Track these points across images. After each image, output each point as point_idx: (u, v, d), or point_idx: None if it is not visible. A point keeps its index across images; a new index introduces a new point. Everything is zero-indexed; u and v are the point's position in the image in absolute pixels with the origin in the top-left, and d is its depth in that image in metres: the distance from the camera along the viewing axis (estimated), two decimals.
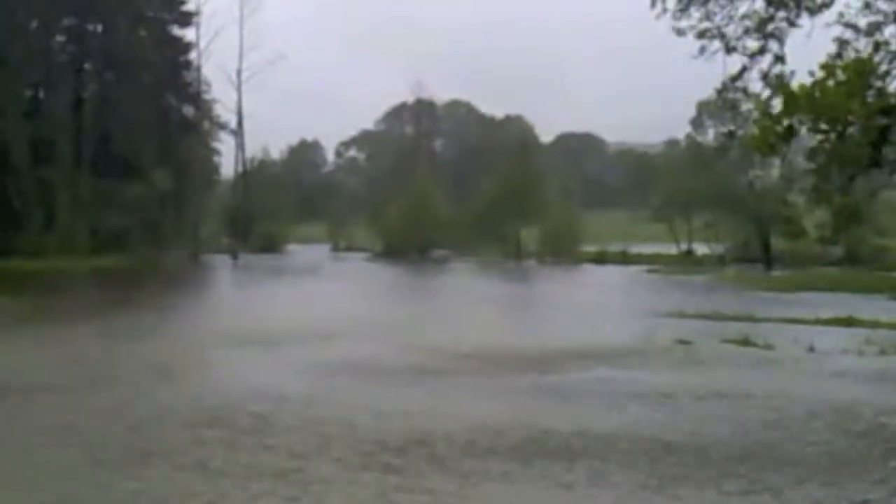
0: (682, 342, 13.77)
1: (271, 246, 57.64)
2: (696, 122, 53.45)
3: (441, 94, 79.53)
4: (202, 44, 53.04)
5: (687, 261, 49.05)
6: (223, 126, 57.59)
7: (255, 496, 5.35)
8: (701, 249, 52.16)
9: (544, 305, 26.88)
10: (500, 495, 5.55)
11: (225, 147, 59.14)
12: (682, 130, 56.15)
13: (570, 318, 20.44)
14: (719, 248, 50.22)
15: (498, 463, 6.17)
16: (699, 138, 53.64)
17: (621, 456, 6.39)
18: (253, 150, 63.03)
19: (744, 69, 10.68)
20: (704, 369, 11.11)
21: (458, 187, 61.90)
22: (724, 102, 11.52)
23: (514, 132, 69.72)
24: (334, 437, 6.91)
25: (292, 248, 60.00)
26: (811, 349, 13.06)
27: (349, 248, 61.81)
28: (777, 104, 9.74)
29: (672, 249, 52.65)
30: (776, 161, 43.76)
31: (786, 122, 9.60)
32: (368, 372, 10.68)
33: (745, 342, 13.82)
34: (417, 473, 5.92)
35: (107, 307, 22.19)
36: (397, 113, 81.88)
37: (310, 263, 47.76)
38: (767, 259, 45.53)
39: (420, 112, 76.83)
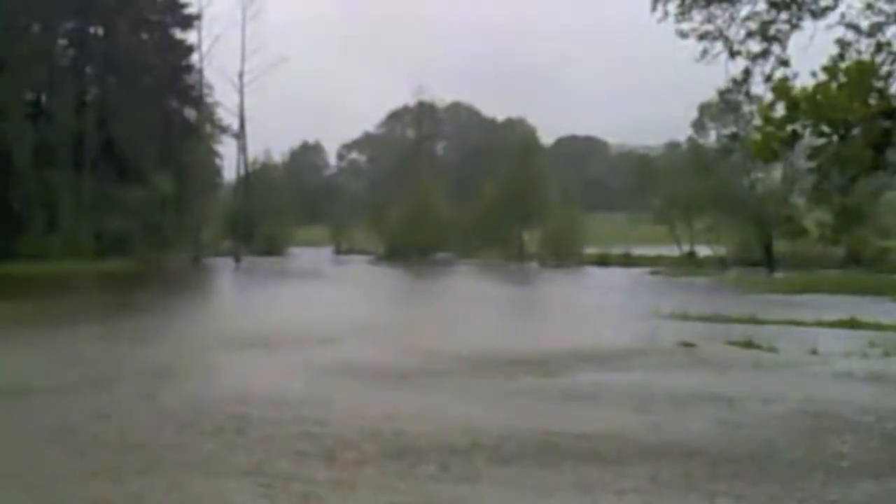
0: (685, 344, 13.70)
1: (273, 249, 57.68)
2: (698, 125, 53.36)
3: (442, 95, 79.45)
4: (204, 47, 53.15)
5: (689, 263, 48.95)
6: (225, 129, 57.66)
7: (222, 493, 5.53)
8: (703, 251, 52.07)
9: (546, 307, 26.85)
10: (448, 494, 5.58)
11: (227, 150, 59.24)
12: (683, 132, 56.09)
13: (571, 321, 20.39)
14: (721, 251, 50.13)
15: (461, 464, 6.21)
16: (701, 140, 53.58)
17: (592, 456, 6.42)
18: (255, 152, 63.14)
19: (747, 72, 10.65)
20: (707, 372, 11.07)
21: (460, 190, 61.88)
22: (726, 105, 11.52)
23: (516, 135, 69.73)
24: (309, 436, 7.06)
25: (294, 250, 60.03)
26: (814, 352, 13.02)
27: (351, 251, 61.82)
28: (780, 109, 9.70)
29: (674, 251, 52.58)
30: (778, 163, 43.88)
31: (788, 128, 9.57)
32: (365, 375, 10.71)
33: (749, 344, 13.78)
34: (370, 471, 6.02)
35: (110, 310, 22.20)
36: (399, 116, 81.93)
37: (312, 266, 47.76)
38: (770, 261, 45.42)
39: (421, 115, 76.90)
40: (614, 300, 27.90)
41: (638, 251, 51.30)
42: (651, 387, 9.61)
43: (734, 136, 41.84)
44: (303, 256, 56.84)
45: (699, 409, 8.33)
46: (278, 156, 70.31)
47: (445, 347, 13.27)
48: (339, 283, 37.05)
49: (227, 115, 57.30)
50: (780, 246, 45.33)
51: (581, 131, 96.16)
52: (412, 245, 54.83)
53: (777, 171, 45.42)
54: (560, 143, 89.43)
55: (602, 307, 24.59)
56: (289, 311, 22.05)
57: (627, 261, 49.40)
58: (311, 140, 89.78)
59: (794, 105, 9.43)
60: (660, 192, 53.59)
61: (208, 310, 26.33)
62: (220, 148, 57.65)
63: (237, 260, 52.82)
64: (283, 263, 51.31)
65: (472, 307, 24.88)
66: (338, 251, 63.50)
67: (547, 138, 78.01)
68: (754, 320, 18.30)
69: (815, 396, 8.92)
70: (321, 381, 10.17)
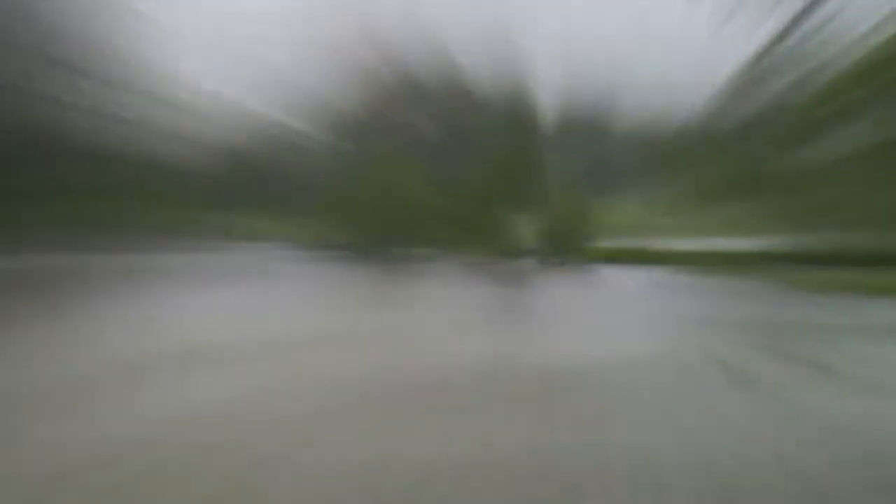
0: (712, 355, 13.54)
1: (224, 242, 57.51)
2: (720, 100, 53.46)
3: (427, 64, 79.42)
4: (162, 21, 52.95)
5: (716, 259, 49.10)
6: (184, 108, 57.60)
7: None
8: (729, 244, 52.26)
9: (547, 313, 26.63)
10: None
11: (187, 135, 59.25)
12: (705, 105, 56.19)
13: (578, 329, 20.18)
14: (751, 243, 50.29)
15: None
16: (724, 117, 53.66)
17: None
18: (207, 127, 63.04)
19: (775, 42, 10.46)
20: (737, 389, 10.86)
21: (445, 173, 61.80)
22: (752, 79, 11.42)
23: (511, 110, 69.71)
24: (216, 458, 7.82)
25: (250, 245, 59.91)
26: (866, 364, 12.83)
27: (314, 245, 61.62)
28: (823, 78, 9.54)
29: (698, 245, 52.74)
30: (815, 142, 43.90)
31: (834, 102, 9.40)
32: (315, 393, 10.71)
33: (787, 355, 13.62)
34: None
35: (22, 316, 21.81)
36: (377, 91, 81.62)
37: (266, 263, 47.58)
38: (808, 255, 45.53)
39: (404, 89, 76.67)
40: (628, 303, 27.78)
41: (654, 244, 51.52)
42: (664, 410, 9.43)
43: (762, 114, 41.81)
44: (258, 251, 56.78)
45: (718, 436, 8.11)
46: (243, 136, 70.24)
47: (418, 362, 13.02)
48: (296, 283, 36.73)
49: (182, 90, 57.26)
50: (824, 238, 45.48)
51: (586, 105, 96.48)
52: (386, 238, 54.78)
53: (819, 151, 45.54)
54: (562, 118, 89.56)
55: (614, 312, 24.43)
56: (237, 319, 21.75)
57: (643, 256, 49.58)
58: (281, 119, 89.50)
59: (843, 74, 9.25)
60: (678, 174, 53.72)
61: (129, 319, 25.94)
62: (180, 134, 57.75)
63: (182, 254, 52.61)
64: (235, 260, 51.10)
65: (457, 313, 24.63)
66: (298, 245, 63.27)
67: (546, 114, 78.12)
68: (793, 325, 18.26)
69: (876, 423, 8.69)
70: (256, 399, 10.12)
